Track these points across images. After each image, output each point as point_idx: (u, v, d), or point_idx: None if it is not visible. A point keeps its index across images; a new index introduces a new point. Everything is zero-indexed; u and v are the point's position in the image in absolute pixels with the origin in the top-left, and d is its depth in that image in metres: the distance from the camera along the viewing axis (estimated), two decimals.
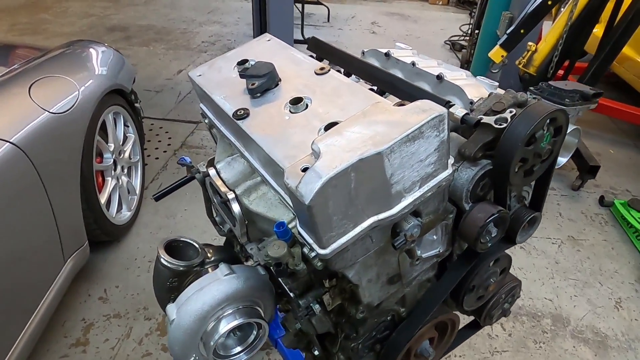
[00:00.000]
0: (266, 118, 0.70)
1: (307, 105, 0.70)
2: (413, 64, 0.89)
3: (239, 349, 0.77)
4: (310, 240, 0.60)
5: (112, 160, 2.09)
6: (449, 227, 0.73)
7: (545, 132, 0.67)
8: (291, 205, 0.66)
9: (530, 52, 2.62)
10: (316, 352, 0.93)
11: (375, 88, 0.82)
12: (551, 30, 2.56)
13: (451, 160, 0.65)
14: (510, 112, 0.67)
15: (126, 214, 2.22)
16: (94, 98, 1.86)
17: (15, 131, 1.43)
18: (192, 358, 0.73)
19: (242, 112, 0.72)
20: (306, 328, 0.84)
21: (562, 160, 0.83)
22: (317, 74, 0.76)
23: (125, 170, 2.27)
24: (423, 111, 0.56)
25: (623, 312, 1.99)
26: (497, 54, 2.64)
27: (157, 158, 2.88)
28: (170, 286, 0.78)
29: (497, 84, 0.84)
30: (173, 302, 0.79)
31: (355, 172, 0.53)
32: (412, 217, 0.63)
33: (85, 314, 1.85)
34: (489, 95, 0.73)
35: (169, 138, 3.12)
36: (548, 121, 0.66)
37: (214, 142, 1.12)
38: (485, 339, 1.83)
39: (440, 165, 0.62)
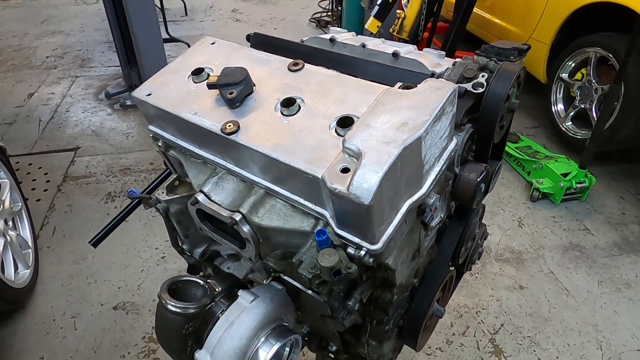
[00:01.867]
0: (262, 127, 0.65)
1: (300, 106, 0.66)
2: (363, 45, 0.91)
3: None
4: (356, 240, 0.58)
5: None
6: (448, 192, 0.78)
7: (514, 89, 0.75)
8: (316, 209, 0.63)
9: (400, 19, 2.84)
10: (333, 348, 0.92)
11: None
12: None
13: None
14: (483, 76, 0.73)
15: (25, 273, 1.87)
16: None
17: None
18: None
19: (231, 125, 0.65)
20: (327, 328, 0.83)
21: None
22: (292, 70, 0.72)
23: (10, 224, 1.90)
24: (438, 89, 0.58)
25: (526, 228, 2.35)
26: (372, 25, 2.79)
27: (38, 200, 2.47)
28: (186, 333, 0.69)
29: (443, 53, 0.90)
30: (191, 350, 0.71)
31: (401, 161, 0.53)
32: (432, 192, 0.66)
33: None
34: (453, 65, 0.78)
35: (45, 174, 2.69)
36: (516, 78, 0.74)
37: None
38: None
39: (450, 137, 0.65)
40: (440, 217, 0.79)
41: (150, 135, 0.84)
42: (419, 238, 0.72)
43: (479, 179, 0.76)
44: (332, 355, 0.97)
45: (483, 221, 1.03)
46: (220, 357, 0.64)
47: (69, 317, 1.83)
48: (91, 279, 2.00)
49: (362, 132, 0.55)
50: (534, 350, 1.75)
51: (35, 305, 1.87)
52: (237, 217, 0.67)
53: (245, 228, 0.67)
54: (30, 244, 2.00)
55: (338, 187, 0.52)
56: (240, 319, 0.66)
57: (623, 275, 2.09)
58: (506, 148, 2.75)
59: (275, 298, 0.71)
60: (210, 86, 0.70)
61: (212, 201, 0.70)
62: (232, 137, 0.65)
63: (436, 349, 1.75)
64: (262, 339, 0.68)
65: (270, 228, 0.67)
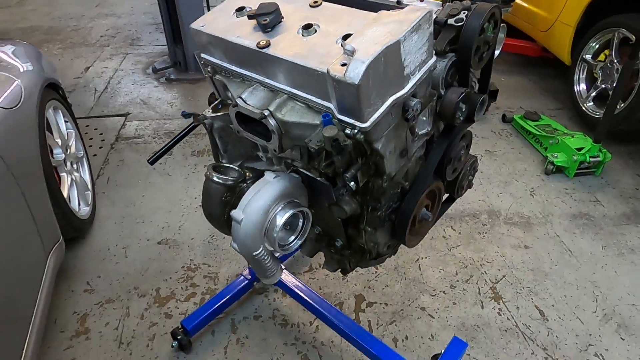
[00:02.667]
0: (287, 43, 0.86)
1: (316, 30, 0.88)
2: None
3: (292, 237, 0.95)
4: (351, 121, 0.79)
5: (63, 155, 2.05)
6: (433, 108, 0.97)
7: (489, 24, 0.93)
8: (324, 104, 0.84)
9: None
10: (339, 243, 1.14)
11: None
12: None
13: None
14: (464, 13, 0.91)
15: (86, 209, 2.19)
16: (37, 91, 1.81)
17: None
18: (258, 251, 0.89)
19: (264, 42, 0.87)
20: (333, 218, 1.04)
21: (497, 52, 1.11)
22: (312, 7, 0.94)
23: (75, 166, 2.22)
24: (417, 10, 0.78)
25: (537, 197, 2.47)
26: None
27: (94, 155, 2.80)
28: (224, 200, 0.92)
29: (440, 2, 1.09)
30: (228, 215, 0.95)
31: (384, 57, 0.73)
32: (413, 97, 0.86)
33: (74, 307, 1.86)
34: (442, 7, 0.97)
35: (100, 134, 3.03)
36: (490, 15, 0.92)
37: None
38: (441, 240, 2.19)
39: (429, 54, 0.85)
40: (425, 126, 0.99)
41: (202, 62, 1.08)
42: (405, 137, 0.92)
43: (459, 98, 0.95)
44: (337, 253, 1.19)
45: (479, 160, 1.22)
46: (249, 211, 0.86)
47: (121, 248, 2.13)
48: (139, 219, 2.30)
49: (358, 38, 0.76)
50: (532, 299, 1.90)
51: (92, 237, 2.19)
52: (266, 113, 0.89)
53: (272, 121, 0.89)
54: (89, 186, 2.31)
55: (337, 74, 0.74)
56: (265, 187, 0.89)
57: (628, 242, 2.19)
58: (525, 125, 2.87)
59: (292, 181, 0.94)
60: (250, 17, 0.93)
61: (247, 104, 0.93)
62: (264, 50, 0.87)
63: (440, 291, 1.93)
64: (280, 206, 0.90)
65: (290, 122, 0.89)
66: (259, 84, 0.95)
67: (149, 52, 4.30)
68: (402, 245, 1.19)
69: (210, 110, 1.13)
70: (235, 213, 0.88)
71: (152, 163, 1.32)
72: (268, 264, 0.94)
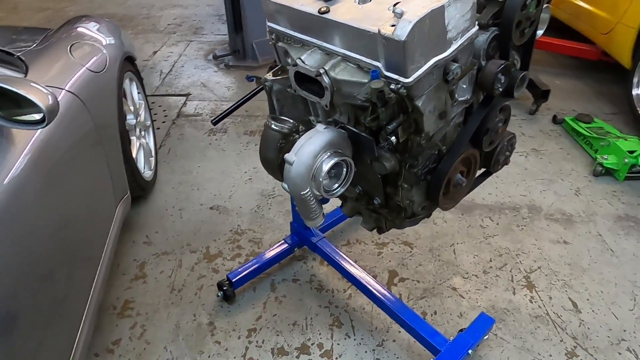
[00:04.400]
0: (344, 10, 0.99)
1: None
2: None
3: (336, 185, 1.07)
4: (395, 77, 0.90)
5: (134, 121, 2.28)
6: (473, 77, 1.06)
7: (531, 1, 1.01)
8: (373, 63, 0.95)
9: None
10: (377, 201, 1.24)
11: None
12: None
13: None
14: None
15: (149, 172, 2.42)
16: (118, 61, 2.05)
17: (70, 82, 1.61)
18: (306, 191, 1.02)
19: (325, 9, 1.00)
20: (374, 175, 1.15)
21: (539, 32, 1.17)
22: None
23: (143, 133, 2.46)
24: None
25: (582, 197, 2.45)
26: None
27: (158, 128, 3.06)
28: (280, 146, 1.06)
29: None
30: (281, 160, 1.08)
31: (429, 19, 0.84)
32: (454, 62, 0.95)
33: (135, 255, 2.08)
34: None
35: (164, 110, 3.30)
36: None
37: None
38: (479, 229, 2.23)
39: (471, 23, 0.94)
40: (465, 94, 1.08)
41: (267, 30, 1.22)
42: (445, 100, 1.02)
43: (498, 69, 1.03)
44: (375, 212, 1.30)
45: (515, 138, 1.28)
46: (301, 153, 0.99)
47: (177, 209, 2.35)
48: (194, 187, 2.51)
49: (407, 3, 0.87)
50: (566, 291, 1.91)
51: (153, 198, 2.42)
52: (321, 71, 1.02)
53: (326, 79, 1.02)
54: (152, 153, 2.55)
55: (387, 33, 0.85)
56: (316, 135, 1.01)
57: None
58: (576, 127, 2.83)
59: (339, 134, 1.06)
60: None
61: (305, 64, 1.06)
62: (324, 15, 1.00)
63: (473, 275, 1.98)
64: (328, 154, 1.03)
65: (342, 80, 1.01)
66: (317, 47, 1.08)
67: (211, 40, 4.58)
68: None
69: (271, 74, 1.27)
70: (289, 156, 1.01)
71: (215, 123, 1.48)
72: (313, 206, 1.06)
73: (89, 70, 1.78)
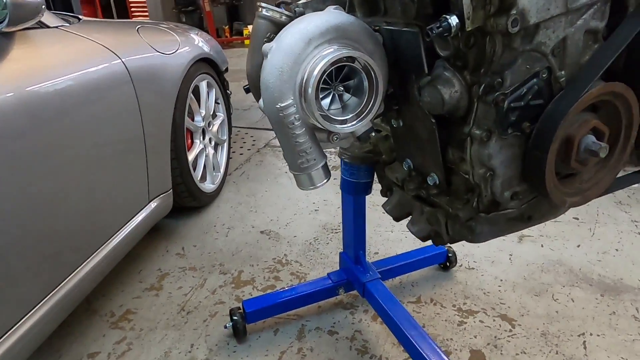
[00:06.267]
0: None
1: None
2: None
3: (350, 113, 0.62)
4: None
5: (202, 124, 2.13)
6: None
7: None
8: None
9: None
10: (432, 180, 0.73)
11: None
12: None
13: None
14: None
15: (210, 186, 2.20)
16: (191, 55, 1.95)
17: (125, 54, 1.48)
18: (286, 102, 0.59)
19: None
20: (424, 128, 0.67)
21: None
22: None
23: (213, 144, 2.29)
24: None
25: None
26: None
27: (241, 154, 2.93)
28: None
29: None
30: None
31: None
32: None
33: (161, 265, 1.78)
34: None
35: (254, 140, 3.20)
36: None
37: None
38: (630, 320, 1.43)
39: None
40: None
41: None
42: None
43: None
44: (429, 202, 0.78)
45: None
46: (284, 35, 0.58)
47: (226, 228, 2.04)
48: (253, 209, 2.20)
49: None
50: None
51: (207, 213, 2.16)
52: None
53: None
54: (222, 170, 2.35)
55: None
56: (317, 14, 0.60)
57: None
58: None
59: (357, 23, 0.62)
60: None
61: None
62: None
63: None
64: (333, 45, 0.59)
65: None
66: None
67: None
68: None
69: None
70: (266, 45, 0.61)
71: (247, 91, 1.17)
72: (300, 140, 0.62)
73: (152, 48, 1.67)
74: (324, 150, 0.68)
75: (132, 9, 7.98)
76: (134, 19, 4.35)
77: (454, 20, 0.54)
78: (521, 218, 0.70)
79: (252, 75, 0.78)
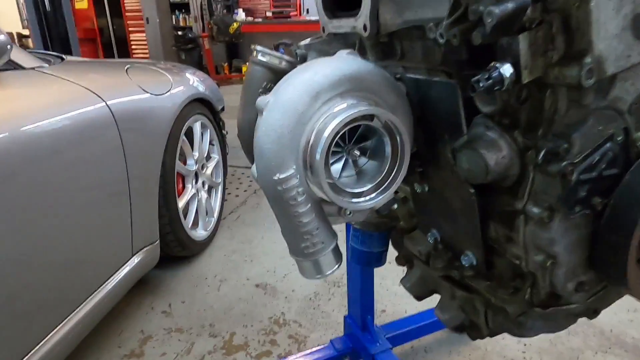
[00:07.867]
0: None
1: None
2: None
3: (368, 185, 0.47)
4: None
5: (194, 168, 2.00)
6: None
7: None
8: None
9: None
10: (468, 261, 0.59)
11: None
12: None
13: None
14: None
15: (202, 233, 2.04)
16: (185, 95, 1.84)
17: (110, 96, 1.36)
18: (286, 174, 0.45)
19: None
20: (459, 196, 0.53)
21: None
22: None
23: (206, 187, 2.15)
24: None
25: None
26: None
27: (237, 196, 2.78)
28: (267, 90, 0.54)
29: None
30: None
31: None
32: None
33: (144, 326, 1.60)
34: None
35: (250, 181, 3.05)
36: None
37: None
38: None
39: None
40: None
41: None
42: None
43: None
44: (463, 287, 0.63)
45: None
46: (284, 87, 0.45)
47: (218, 280, 1.87)
48: (248, 258, 2.04)
49: None
50: None
51: (198, 262, 2.00)
52: None
53: None
54: (215, 214, 2.20)
55: None
56: (325, 60, 0.47)
57: None
58: None
59: (378, 71, 0.50)
60: None
61: None
62: None
63: None
64: (340, 98, 0.46)
65: None
66: None
67: None
68: None
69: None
70: (261, 99, 0.47)
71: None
72: (304, 219, 0.48)
73: (141, 89, 1.56)
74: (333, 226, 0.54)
75: (133, 47, 8.05)
76: (128, 59, 4.30)
77: (507, 70, 0.41)
78: (586, 313, 0.55)
79: (244, 130, 0.65)
